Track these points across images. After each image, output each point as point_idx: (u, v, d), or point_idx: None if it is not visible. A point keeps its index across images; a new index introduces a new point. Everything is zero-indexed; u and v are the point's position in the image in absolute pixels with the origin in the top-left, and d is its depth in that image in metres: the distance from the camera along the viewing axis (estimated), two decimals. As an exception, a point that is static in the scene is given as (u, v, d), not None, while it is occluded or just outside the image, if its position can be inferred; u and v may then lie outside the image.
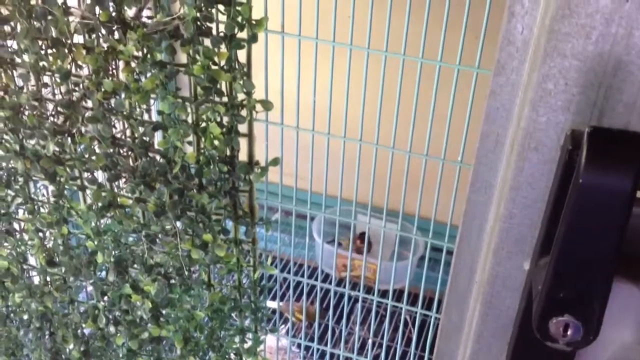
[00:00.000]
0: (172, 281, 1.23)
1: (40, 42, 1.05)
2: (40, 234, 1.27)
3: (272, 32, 1.17)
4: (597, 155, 0.51)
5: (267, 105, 1.05)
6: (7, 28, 1.07)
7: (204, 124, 1.07)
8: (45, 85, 1.12)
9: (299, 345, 2.01)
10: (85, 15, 1.02)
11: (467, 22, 1.16)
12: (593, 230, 0.53)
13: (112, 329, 1.31)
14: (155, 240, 1.19)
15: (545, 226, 0.60)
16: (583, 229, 0.54)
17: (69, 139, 1.13)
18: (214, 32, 1.00)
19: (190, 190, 1.11)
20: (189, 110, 1.06)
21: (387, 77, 1.28)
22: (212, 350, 1.30)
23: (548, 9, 0.54)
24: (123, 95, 1.07)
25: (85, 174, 1.17)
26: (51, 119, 1.13)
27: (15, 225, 1.30)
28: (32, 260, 1.35)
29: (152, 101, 1.09)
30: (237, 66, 1.01)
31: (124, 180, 1.16)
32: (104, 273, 1.27)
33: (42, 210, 1.25)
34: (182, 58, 1.03)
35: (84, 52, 1.05)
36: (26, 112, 1.13)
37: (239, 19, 0.97)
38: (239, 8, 0.96)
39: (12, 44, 1.09)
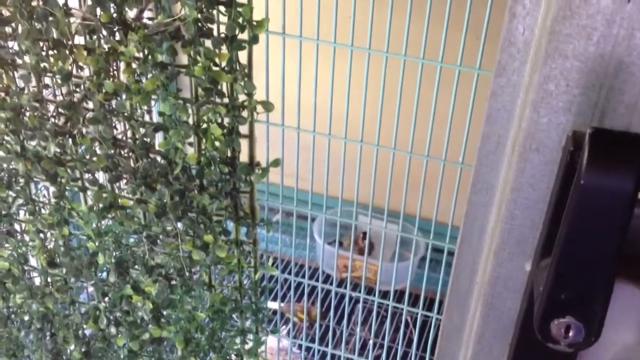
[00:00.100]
0: (173, 282, 1.23)
1: (41, 44, 1.05)
2: (41, 235, 1.27)
3: (273, 33, 1.17)
4: (599, 156, 0.51)
5: (268, 106, 1.05)
6: (8, 29, 1.07)
7: (205, 125, 1.07)
8: (46, 86, 1.12)
9: (299, 346, 2.01)
10: (86, 16, 1.02)
11: (468, 22, 1.16)
12: (594, 231, 0.53)
13: (113, 329, 1.31)
14: (156, 241, 1.19)
15: (546, 227, 0.60)
16: (584, 230, 0.53)
17: (70, 140, 1.13)
18: (215, 33, 1.00)
19: (191, 191, 1.11)
20: (190, 111, 1.06)
21: (388, 78, 1.28)
22: (213, 351, 1.30)
23: (549, 10, 0.54)
24: (124, 97, 1.07)
25: (86, 175, 1.17)
26: (52, 120, 1.13)
27: (16, 227, 1.30)
28: (33, 261, 1.35)
29: (153, 102, 1.09)
30: (238, 67, 1.01)
31: (125, 181, 1.16)
32: (105, 274, 1.27)
33: (43, 211, 1.25)
34: (183, 59, 1.03)
35: (85, 53, 1.05)
36: (27, 114, 1.13)
37: (240, 20, 0.97)
38: (239, 9, 0.96)
39: (13, 45, 1.09)
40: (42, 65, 1.07)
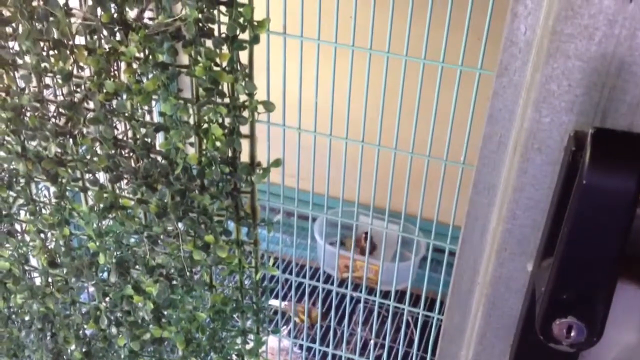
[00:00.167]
0: (174, 282, 1.23)
1: (42, 44, 1.05)
2: (42, 235, 1.27)
3: (274, 33, 1.17)
4: (601, 156, 0.51)
5: (268, 106, 1.05)
6: (8, 29, 1.07)
7: (205, 125, 1.07)
8: (47, 86, 1.12)
9: (300, 347, 2.01)
10: (87, 16, 1.02)
11: (469, 22, 1.15)
12: (596, 231, 0.53)
13: (113, 330, 1.31)
14: (157, 242, 1.19)
15: (548, 227, 0.60)
16: (586, 230, 0.53)
17: (71, 140, 1.13)
18: (216, 33, 1.00)
19: (192, 192, 1.11)
20: (190, 111, 1.06)
21: (389, 78, 1.27)
22: (213, 351, 1.30)
23: (551, 10, 0.54)
24: (125, 97, 1.07)
25: (87, 175, 1.17)
26: (53, 120, 1.13)
27: (17, 227, 1.30)
28: (33, 262, 1.35)
29: (153, 102, 1.09)
30: (238, 67, 1.01)
31: (125, 181, 1.16)
32: (105, 274, 1.26)
33: (43, 211, 1.25)
34: (184, 59, 1.03)
35: (85, 53, 1.05)
36: (28, 114, 1.13)
37: (241, 20, 0.97)
38: (240, 9, 0.96)
39: (13, 45, 1.09)
40: (42, 65, 1.07)
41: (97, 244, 1.21)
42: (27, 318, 1.38)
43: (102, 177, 1.17)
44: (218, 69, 1.01)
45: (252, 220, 1.15)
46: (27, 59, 1.08)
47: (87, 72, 1.08)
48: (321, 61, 1.30)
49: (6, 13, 1.05)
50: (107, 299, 1.29)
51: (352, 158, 1.39)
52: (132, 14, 1.02)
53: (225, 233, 1.15)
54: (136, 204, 1.15)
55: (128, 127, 1.12)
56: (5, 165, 1.20)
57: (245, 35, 0.98)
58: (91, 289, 1.31)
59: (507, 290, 0.67)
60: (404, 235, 1.53)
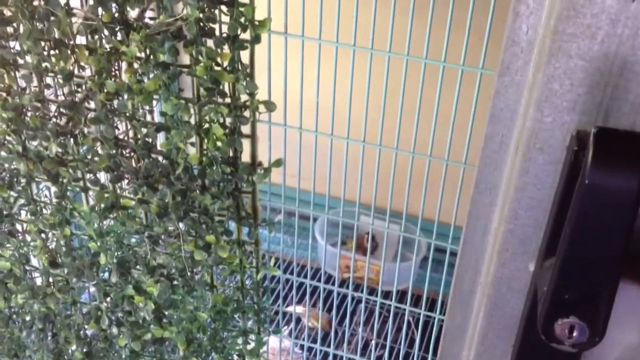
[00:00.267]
0: (175, 282, 1.22)
1: (42, 43, 1.05)
2: (43, 235, 1.27)
3: (275, 32, 1.17)
4: (603, 155, 0.51)
5: (270, 106, 1.05)
6: (9, 29, 1.07)
7: (206, 125, 1.07)
8: (48, 86, 1.12)
9: (301, 347, 2.01)
10: (88, 16, 1.01)
11: (471, 22, 1.15)
12: (599, 231, 0.53)
13: (114, 330, 1.31)
14: (158, 242, 1.19)
15: (550, 227, 0.60)
16: (589, 229, 0.53)
17: (72, 140, 1.13)
18: (217, 33, 1.00)
19: (193, 192, 1.11)
20: (191, 111, 1.06)
21: (391, 77, 1.27)
22: (214, 351, 1.30)
23: (553, 10, 0.54)
24: (126, 97, 1.07)
25: (88, 175, 1.17)
26: (54, 120, 1.12)
27: (18, 227, 1.30)
28: (34, 262, 1.35)
29: (154, 102, 1.08)
30: (240, 67, 1.01)
31: (126, 181, 1.16)
32: (106, 274, 1.26)
33: (44, 211, 1.25)
34: (185, 59, 1.03)
35: (86, 53, 1.04)
36: (29, 114, 1.13)
37: (242, 19, 0.97)
38: (241, 9, 0.96)
39: (14, 45, 1.09)
40: (43, 65, 1.07)
41: (98, 244, 1.21)
42: (28, 318, 1.38)
43: (103, 177, 1.17)
44: (219, 68, 1.01)
45: (253, 220, 1.15)
46: (28, 58, 1.08)
47: (88, 72, 1.08)
48: (322, 61, 1.30)
49: (7, 13, 1.05)
50: (108, 299, 1.29)
51: (353, 158, 1.39)
52: (133, 13, 1.01)
53: (227, 233, 1.15)
54: (137, 204, 1.15)
55: (129, 127, 1.12)
56: (6, 165, 1.20)
57: (246, 35, 0.98)
58: (92, 289, 1.31)
59: (508, 291, 0.67)
60: (405, 235, 1.53)
